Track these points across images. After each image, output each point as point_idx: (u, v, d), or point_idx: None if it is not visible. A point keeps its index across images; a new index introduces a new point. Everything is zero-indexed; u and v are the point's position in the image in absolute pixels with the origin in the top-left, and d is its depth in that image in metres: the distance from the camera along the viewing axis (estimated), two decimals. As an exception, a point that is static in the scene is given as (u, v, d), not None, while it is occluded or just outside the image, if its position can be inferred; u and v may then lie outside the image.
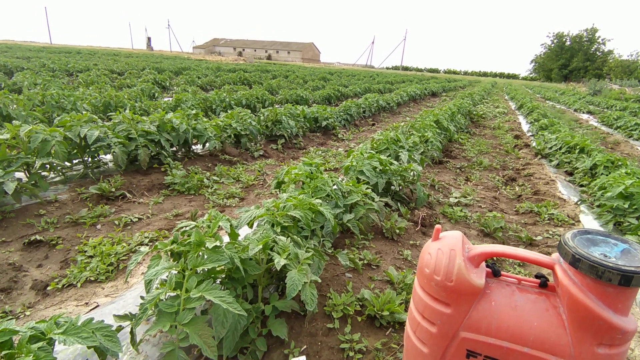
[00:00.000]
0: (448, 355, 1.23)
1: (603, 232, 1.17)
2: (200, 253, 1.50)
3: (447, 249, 1.23)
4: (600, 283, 1.03)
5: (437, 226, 1.28)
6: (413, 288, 1.37)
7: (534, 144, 7.55)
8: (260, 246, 1.68)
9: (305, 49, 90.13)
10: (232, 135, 5.30)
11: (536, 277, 1.26)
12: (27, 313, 1.91)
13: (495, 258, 2.94)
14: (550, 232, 3.46)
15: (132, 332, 1.44)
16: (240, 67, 25.06)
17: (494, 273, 1.27)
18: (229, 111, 5.99)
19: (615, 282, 1.00)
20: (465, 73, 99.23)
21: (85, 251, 2.48)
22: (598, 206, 4.03)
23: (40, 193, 3.07)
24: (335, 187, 2.87)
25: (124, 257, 2.44)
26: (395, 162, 3.72)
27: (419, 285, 1.30)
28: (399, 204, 3.57)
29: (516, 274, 2.34)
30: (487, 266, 1.30)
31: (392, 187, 3.76)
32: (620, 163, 4.97)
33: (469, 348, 1.19)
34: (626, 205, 3.51)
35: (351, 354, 1.78)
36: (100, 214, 3.04)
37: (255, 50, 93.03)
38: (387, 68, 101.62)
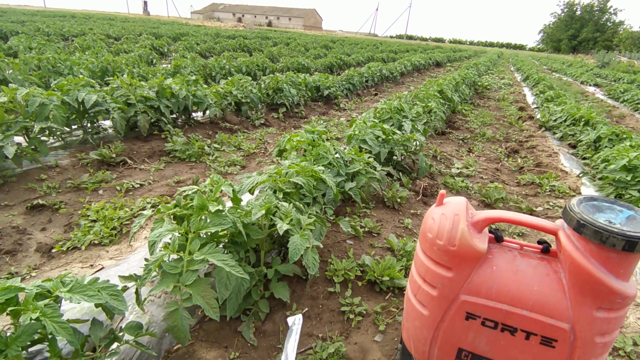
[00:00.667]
0: (448, 318, 1.26)
1: (609, 200, 1.16)
2: (203, 217, 1.50)
3: (450, 214, 1.22)
4: (603, 248, 1.03)
5: (442, 192, 1.27)
6: (415, 252, 1.37)
7: (538, 116, 7.45)
8: (263, 211, 1.68)
9: (307, 16, 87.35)
10: (233, 103, 5.21)
11: (539, 242, 1.26)
12: (33, 274, 1.94)
13: (497, 225, 2.95)
14: (551, 204, 3.47)
15: (137, 292, 1.47)
16: (240, 33, 24.36)
17: (497, 239, 1.27)
18: (229, 78, 5.87)
19: (619, 247, 1.00)
20: (471, 43, 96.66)
21: (88, 215, 2.49)
22: (600, 179, 4.03)
23: (40, 158, 3.05)
24: (337, 155, 2.84)
25: (126, 222, 2.46)
26: (398, 132, 3.68)
27: (421, 250, 1.31)
28: (400, 174, 3.56)
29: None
30: (490, 232, 1.30)
31: (395, 156, 3.73)
32: (625, 136, 4.91)
33: (469, 311, 1.21)
34: (629, 178, 3.50)
35: (351, 316, 1.82)
36: (102, 179, 3.03)
37: (255, 17, 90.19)
38: (391, 37, 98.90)
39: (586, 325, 1.09)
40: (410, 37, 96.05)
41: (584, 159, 5.00)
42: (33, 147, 3.02)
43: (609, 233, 1.00)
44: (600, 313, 1.08)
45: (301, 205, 1.96)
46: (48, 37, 12.01)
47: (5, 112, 3.20)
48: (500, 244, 1.27)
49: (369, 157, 3.08)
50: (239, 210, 1.64)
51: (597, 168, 4.26)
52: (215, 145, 4.12)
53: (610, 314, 1.08)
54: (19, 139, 3.20)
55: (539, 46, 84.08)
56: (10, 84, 3.65)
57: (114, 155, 3.36)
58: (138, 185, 3.05)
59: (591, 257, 1.06)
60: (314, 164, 2.51)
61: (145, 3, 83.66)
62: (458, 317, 1.24)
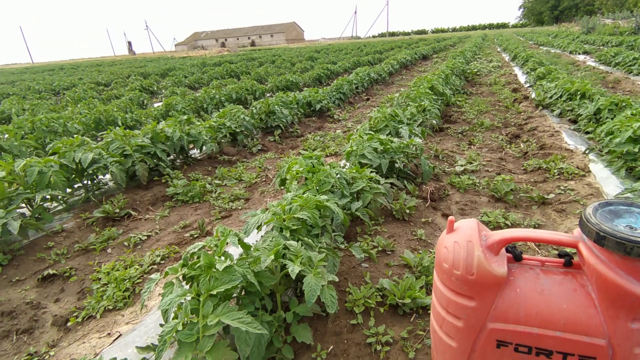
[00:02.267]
0: (478, 347, 1.20)
1: (626, 202, 1.11)
2: (213, 275, 1.47)
3: (463, 241, 1.18)
4: (629, 259, 0.98)
5: (451, 218, 1.23)
6: (433, 282, 1.33)
7: (533, 96, 7.38)
8: (272, 256, 1.64)
9: (288, 30, 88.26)
10: (228, 135, 5.22)
11: (559, 255, 1.21)
12: (52, 353, 1.91)
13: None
14: (562, 188, 3.40)
15: (157, 364, 1.43)
16: (225, 58, 24.61)
17: (515, 257, 1.22)
18: (221, 109, 5.89)
19: (646, 256, 0.95)
20: (454, 29, 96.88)
21: (100, 279, 2.47)
22: (607, 153, 3.95)
23: (45, 225, 3.05)
24: (338, 176, 2.81)
25: (138, 280, 2.43)
26: (395, 140, 3.64)
27: (440, 281, 1.26)
28: (405, 182, 3.52)
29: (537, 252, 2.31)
30: (507, 251, 1.25)
31: (396, 164, 3.69)
32: (624, 104, 4.83)
33: (499, 338, 1.16)
34: (637, 149, 3.42)
35: (378, 347, 1.77)
36: (109, 237, 3.02)
37: (237, 39, 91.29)
38: (374, 36, 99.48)
39: (623, 339, 1.04)
40: (392, 34, 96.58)
41: (587, 133, 4.92)
42: (37, 216, 3.02)
43: (633, 243, 0.95)
44: (636, 324, 1.02)
45: (310, 240, 1.92)
46: (39, 94, 12.20)
47: (6, 183, 3.22)
48: (520, 263, 1.22)
49: (370, 172, 3.04)
50: (248, 260, 1.61)
51: (602, 142, 4.18)
52: (217, 182, 4.11)
53: (647, 324, 1.02)
54: (21, 208, 3.21)
55: (521, 22, 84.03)
56: (5, 153, 3.68)
57: (117, 210, 3.36)
58: (145, 237, 3.03)
59: (617, 269, 1.01)
60: (317, 192, 2.48)
61: (130, 43, 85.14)
62: (489, 346, 1.18)
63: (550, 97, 6.61)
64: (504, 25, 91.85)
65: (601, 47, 16.13)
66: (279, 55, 24.60)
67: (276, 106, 6.13)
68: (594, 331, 1.06)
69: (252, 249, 1.75)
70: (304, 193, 2.31)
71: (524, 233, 1.16)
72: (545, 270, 1.17)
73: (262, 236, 2.09)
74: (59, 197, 3.31)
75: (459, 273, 1.15)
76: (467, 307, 1.17)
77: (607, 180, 3.45)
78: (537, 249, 2.57)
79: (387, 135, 4.01)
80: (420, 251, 2.52)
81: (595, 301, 1.07)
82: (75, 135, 3.79)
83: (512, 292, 1.15)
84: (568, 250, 1.80)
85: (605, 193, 3.24)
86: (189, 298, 1.45)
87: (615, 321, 1.04)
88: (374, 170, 3.30)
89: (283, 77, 10.35)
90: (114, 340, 1.93)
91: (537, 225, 2.86)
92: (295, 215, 1.98)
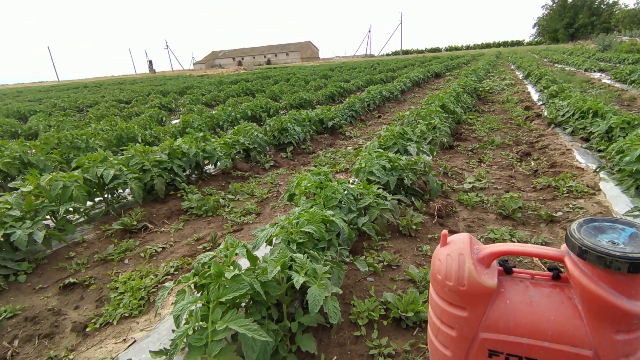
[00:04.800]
0: (471, 357, 1.26)
1: (610, 218, 1.17)
2: (222, 283, 1.56)
3: (455, 254, 1.25)
4: (610, 272, 1.04)
5: (444, 232, 1.31)
6: (429, 294, 1.39)
7: (545, 113, 7.38)
8: (279, 267, 1.73)
9: (303, 49, 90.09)
10: (242, 151, 5.39)
11: (549, 269, 1.26)
12: (71, 357, 2.02)
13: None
14: (571, 206, 3.41)
15: (168, 367, 1.52)
16: (242, 77, 25.27)
17: (506, 270, 1.28)
18: (236, 126, 6.09)
19: (625, 270, 1.00)
20: (468, 47, 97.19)
21: (117, 288, 2.59)
22: (618, 171, 3.94)
23: (67, 236, 3.22)
24: (346, 192, 2.90)
25: (153, 290, 2.54)
26: (404, 157, 3.72)
27: (434, 292, 1.33)
28: (413, 198, 3.58)
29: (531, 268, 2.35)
30: (499, 264, 1.31)
31: (405, 181, 3.76)
32: (636, 122, 4.82)
33: (490, 348, 1.21)
34: (646, 168, 3.42)
35: (381, 359, 1.82)
36: (126, 248, 3.16)
37: (254, 57, 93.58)
38: (387, 55, 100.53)
39: (609, 350, 1.08)
40: (406, 52, 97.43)
41: (599, 151, 4.90)
42: (60, 227, 3.19)
43: (612, 257, 1.01)
44: (620, 336, 1.07)
45: (316, 253, 2.01)
46: (64, 111, 12.76)
47: (33, 196, 3.41)
48: (511, 276, 1.28)
49: (378, 188, 3.13)
50: (255, 270, 1.70)
51: (613, 160, 4.17)
52: (230, 196, 4.25)
53: (630, 335, 1.07)
54: (46, 220, 3.39)
55: (536, 39, 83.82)
56: (32, 168, 3.90)
57: (135, 223, 3.51)
58: (160, 249, 3.16)
59: (600, 282, 1.07)
60: (324, 207, 2.57)
61: (151, 62, 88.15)
62: (481, 355, 1.24)
63: (563, 115, 6.61)
64: (518, 43, 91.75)
65: (617, 65, 15.99)
66: (293, 73, 25.13)
67: (289, 123, 6.31)
68: (581, 342, 1.11)
69: (260, 260, 1.85)
70: (311, 208, 2.41)
71: (514, 247, 1.23)
72: (534, 283, 1.23)
73: (271, 249, 2.18)
74: (81, 209, 3.48)
75: (451, 284, 1.22)
76: (460, 317, 1.24)
77: (617, 199, 3.44)
78: (541, 265, 2.59)
79: (396, 152, 4.10)
80: (425, 266, 2.56)
81: (581, 313, 1.12)
82: (97, 151, 4.00)
83: (502, 303, 1.21)
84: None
85: (614, 211, 3.23)
86: (199, 305, 1.55)
87: (600, 333, 1.09)
88: (382, 186, 3.38)
89: (297, 95, 10.60)
90: (129, 345, 2.03)
91: (544, 243, 2.88)
92: (302, 229, 2.07)
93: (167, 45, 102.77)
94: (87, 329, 2.23)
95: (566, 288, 1.19)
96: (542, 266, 2.61)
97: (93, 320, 2.30)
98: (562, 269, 1.25)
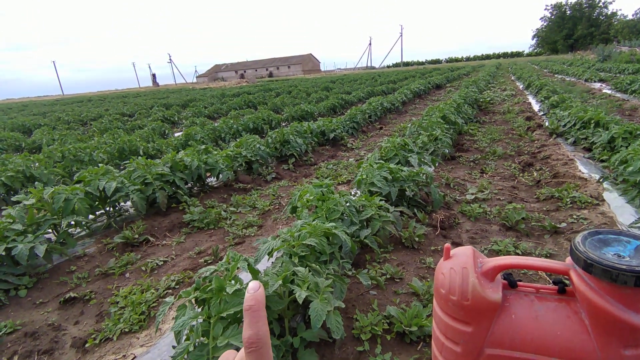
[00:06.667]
0: (477, 373, 1.23)
1: (615, 231, 1.16)
2: (223, 298, 1.55)
3: (459, 267, 1.23)
4: (616, 286, 1.02)
5: (447, 245, 1.29)
6: (433, 309, 1.37)
7: (547, 124, 7.38)
8: (280, 281, 1.71)
9: (304, 61, 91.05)
10: (244, 163, 5.40)
11: (554, 283, 1.24)
12: (70, 373, 1.99)
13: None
14: (575, 217, 3.38)
15: (168, 384, 1.49)
16: (244, 89, 25.50)
17: (511, 284, 1.26)
18: (238, 139, 6.12)
19: (631, 283, 0.99)
20: (468, 59, 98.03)
21: (117, 302, 2.57)
22: (622, 181, 3.92)
23: (68, 250, 3.21)
24: (347, 204, 2.89)
25: (154, 304, 2.52)
26: (405, 169, 3.72)
27: (438, 306, 1.31)
28: (415, 210, 3.56)
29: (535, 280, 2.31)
30: (504, 277, 1.29)
31: (406, 193, 3.75)
32: (638, 132, 4.81)
33: (496, 364, 1.19)
34: (650, 178, 3.40)
35: (385, 375, 1.79)
36: (127, 262, 3.15)
37: (256, 70, 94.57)
38: (388, 66, 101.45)
39: (618, 366, 1.06)
40: (407, 64, 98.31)
41: (602, 161, 4.89)
42: (61, 241, 3.18)
43: (618, 271, 0.99)
44: (629, 351, 1.05)
45: (318, 266, 1.99)
46: (68, 124, 12.88)
47: (35, 210, 3.42)
48: (516, 290, 1.26)
49: (380, 200, 3.11)
50: (256, 285, 1.68)
51: (617, 170, 4.15)
52: (231, 209, 4.24)
53: (638, 350, 1.04)
54: (48, 233, 3.38)
55: (536, 50, 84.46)
56: (36, 182, 3.92)
57: (136, 236, 3.50)
58: (162, 263, 3.14)
59: (607, 296, 1.05)
60: (326, 219, 2.56)
61: (154, 76, 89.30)
62: (487, 371, 1.21)
63: (564, 125, 6.62)
64: (518, 54, 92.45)
65: (617, 75, 16.06)
66: (295, 85, 25.35)
67: (291, 135, 6.33)
68: (588, 358, 1.08)
69: (262, 274, 1.83)
70: (313, 220, 2.40)
71: (518, 260, 1.21)
72: (539, 297, 1.21)
73: (272, 262, 2.17)
74: (83, 222, 3.48)
75: (455, 298, 1.20)
76: (464, 332, 1.21)
77: (621, 209, 3.42)
78: (546, 278, 2.56)
79: (397, 164, 4.09)
80: (428, 279, 2.54)
81: (588, 328, 1.10)
82: (100, 164, 4.01)
83: (507, 318, 1.18)
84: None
85: (619, 222, 3.20)
86: (200, 320, 1.53)
87: (607, 348, 1.06)
88: (383, 198, 3.37)
89: (298, 107, 10.67)
90: (129, 362, 2.00)
91: (548, 255, 2.85)
92: (304, 242, 2.06)
93: (170, 59, 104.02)
94: (87, 345, 2.21)
95: (572, 302, 1.17)
96: (547, 279, 2.58)
97: (93, 336, 2.27)
98: (567, 282, 1.23)
